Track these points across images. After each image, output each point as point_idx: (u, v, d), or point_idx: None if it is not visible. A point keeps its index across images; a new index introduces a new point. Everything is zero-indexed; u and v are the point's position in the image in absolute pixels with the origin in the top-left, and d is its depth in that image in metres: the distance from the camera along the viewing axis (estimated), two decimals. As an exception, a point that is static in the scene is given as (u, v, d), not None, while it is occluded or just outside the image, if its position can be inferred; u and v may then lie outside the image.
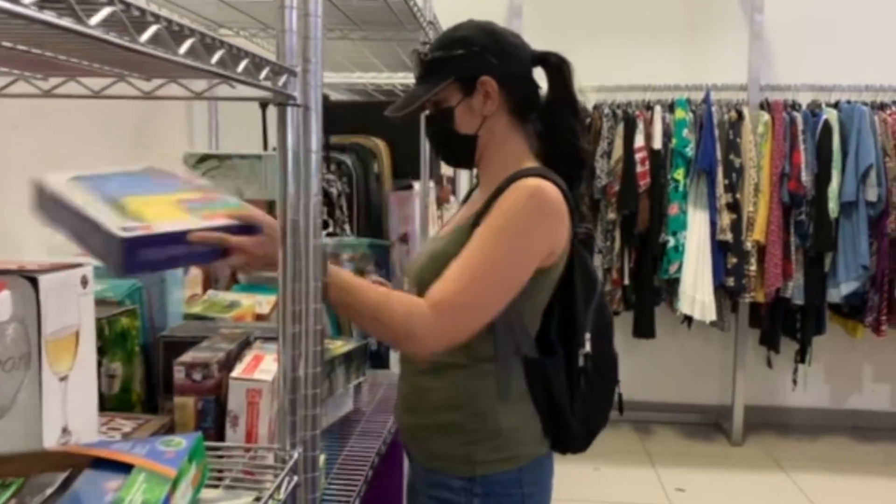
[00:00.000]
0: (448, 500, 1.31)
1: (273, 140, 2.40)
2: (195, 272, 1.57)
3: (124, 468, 0.68)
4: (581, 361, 1.35)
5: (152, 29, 0.52)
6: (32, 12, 0.43)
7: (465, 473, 1.30)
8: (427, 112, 1.42)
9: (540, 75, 1.42)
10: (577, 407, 1.35)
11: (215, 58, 0.63)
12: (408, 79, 3.17)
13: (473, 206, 1.38)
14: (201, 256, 1.00)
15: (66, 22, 0.45)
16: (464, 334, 1.24)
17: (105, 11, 0.46)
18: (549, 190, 1.27)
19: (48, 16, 0.44)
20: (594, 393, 1.38)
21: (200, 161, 2.07)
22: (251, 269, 1.15)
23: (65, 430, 0.83)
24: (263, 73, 0.76)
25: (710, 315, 3.68)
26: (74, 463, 0.70)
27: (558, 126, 1.39)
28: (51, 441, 0.80)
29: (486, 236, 1.25)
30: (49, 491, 0.66)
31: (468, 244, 1.25)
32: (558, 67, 1.39)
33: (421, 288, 1.29)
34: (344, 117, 2.55)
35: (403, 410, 1.40)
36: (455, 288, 1.22)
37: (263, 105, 2.07)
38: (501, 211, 1.27)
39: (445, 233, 1.43)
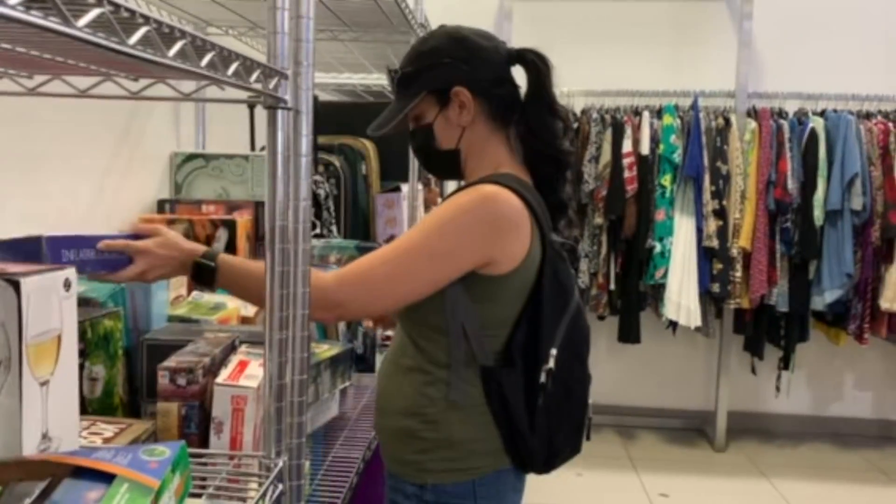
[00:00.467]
0: None
1: (260, 140, 2.38)
2: (180, 273, 1.55)
3: (106, 477, 0.67)
4: (542, 377, 1.27)
5: (142, 31, 0.50)
6: (19, 13, 0.41)
7: (417, 480, 1.29)
8: (411, 128, 1.41)
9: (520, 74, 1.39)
10: (539, 424, 1.28)
11: (205, 60, 0.62)
12: (397, 80, 3.16)
13: None
14: (109, 264, 1.14)
15: (53, 23, 0.44)
16: (362, 309, 1.31)
17: (93, 13, 0.45)
18: (505, 199, 1.25)
19: (34, 16, 0.43)
20: (560, 412, 1.30)
21: (187, 160, 2.06)
22: (154, 274, 1.20)
23: (45, 436, 0.81)
24: (254, 76, 0.75)
25: (695, 321, 3.69)
26: (54, 471, 0.68)
27: (535, 126, 1.36)
28: (30, 447, 0.78)
29: (422, 225, 1.28)
30: (27, 501, 0.64)
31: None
32: (535, 65, 1.36)
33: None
34: (332, 118, 2.54)
35: (375, 412, 1.40)
36: (366, 264, 1.24)
37: (251, 105, 2.05)
38: (446, 206, 1.27)
39: None
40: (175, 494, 0.70)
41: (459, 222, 1.24)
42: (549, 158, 1.38)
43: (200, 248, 1.23)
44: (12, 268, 0.79)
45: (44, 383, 0.80)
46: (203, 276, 1.20)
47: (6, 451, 0.76)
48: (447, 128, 1.36)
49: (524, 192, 1.27)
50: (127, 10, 0.46)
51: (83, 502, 0.63)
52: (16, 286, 0.75)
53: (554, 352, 1.28)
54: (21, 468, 0.70)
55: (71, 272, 0.85)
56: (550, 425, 1.29)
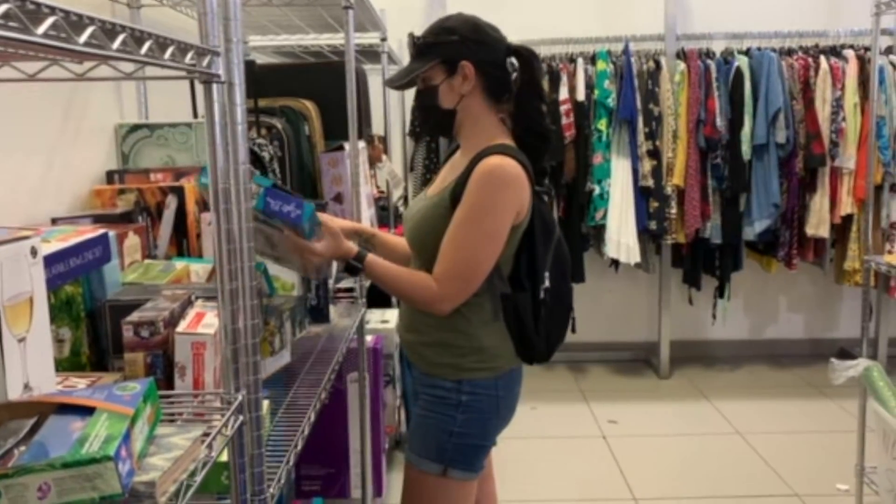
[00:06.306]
0: (443, 397, 1.69)
1: (202, 108, 2.43)
2: (134, 240, 1.64)
3: (87, 411, 0.78)
4: (542, 294, 1.70)
5: (89, 30, 0.60)
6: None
7: (455, 378, 1.68)
8: (417, 87, 1.72)
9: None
10: (541, 329, 1.71)
11: (145, 48, 0.71)
12: (333, 39, 3.22)
13: (455, 170, 1.71)
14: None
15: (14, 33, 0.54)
16: (466, 295, 1.63)
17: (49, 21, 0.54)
18: (508, 165, 1.59)
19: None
20: (553, 317, 1.74)
21: (132, 131, 2.12)
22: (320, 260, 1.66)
23: (26, 386, 0.91)
24: (188, 56, 0.84)
25: (635, 257, 3.87)
26: (40, 410, 0.79)
27: (526, 107, 1.70)
28: (14, 396, 0.89)
29: (465, 218, 1.60)
30: (22, 433, 0.75)
31: (453, 224, 1.61)
32: (528, 60, 1.70)
33: (413, 243, 1.73)
34: (272, 80, 2.59)
35: (406, 331, 1.79)
36: (450, 266, 1.61)
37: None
38: (472, 193, 1.59)
39: (433, 192, 1.74)
40: (147, 421, 0.82)
41: (488, 202, 1.58)
42: (535, 134, 1.71)
43: (355, 248, 1.68)
44: (-16, 238, 0.88)
45: (21, 339, 0.91)
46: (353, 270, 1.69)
47: (-6, 399, 0.86)
48: (449, 92, 1.68)
49: (520, 157, 1.63)
50: (104, 22, 0.56)
51: (70, 430, 0.74)
52: (-11, 255, 0.85)
53: (547, 274, 1.70)
54: (10, 409, 0.80)
55: (36, 241, 0.94)
56: (549, 328, 1.73)
